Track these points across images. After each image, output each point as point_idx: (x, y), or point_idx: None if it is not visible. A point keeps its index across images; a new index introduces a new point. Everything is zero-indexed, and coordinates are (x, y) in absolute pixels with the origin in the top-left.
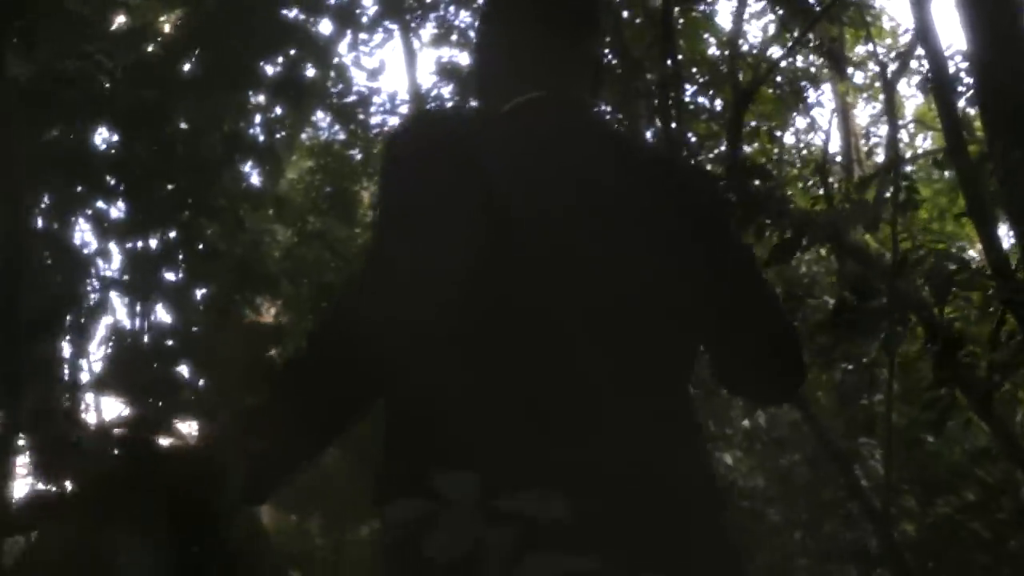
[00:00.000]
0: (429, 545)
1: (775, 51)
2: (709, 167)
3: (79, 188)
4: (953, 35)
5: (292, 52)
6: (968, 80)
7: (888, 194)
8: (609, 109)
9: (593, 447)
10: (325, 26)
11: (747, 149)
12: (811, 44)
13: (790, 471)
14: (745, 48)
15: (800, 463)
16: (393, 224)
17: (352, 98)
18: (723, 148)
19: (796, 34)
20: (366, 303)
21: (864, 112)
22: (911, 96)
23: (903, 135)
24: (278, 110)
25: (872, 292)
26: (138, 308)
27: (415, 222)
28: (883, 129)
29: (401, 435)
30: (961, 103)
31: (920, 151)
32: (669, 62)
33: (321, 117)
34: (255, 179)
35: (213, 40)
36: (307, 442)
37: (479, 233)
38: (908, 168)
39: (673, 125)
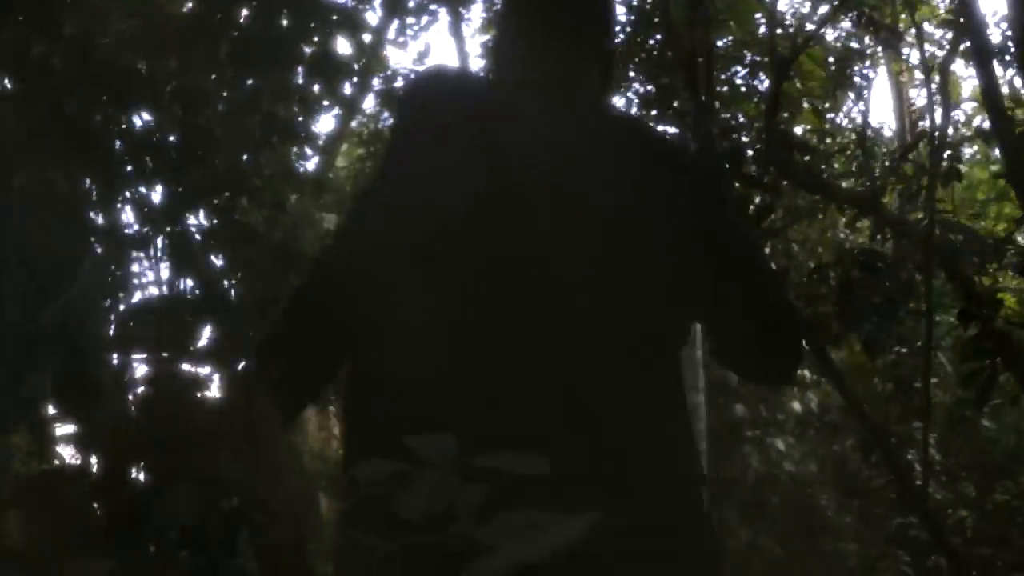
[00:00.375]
0: (401, 504)
1: (816, 23)
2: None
3: (126, 170)
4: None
5: (326, 29)
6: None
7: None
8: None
9: (567, 415)
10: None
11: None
12: (856, 18)
13: (842, 457)
14: (787, 20)
15: (854, 448)
16: (397, 158)
17: (399, 83)
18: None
19: (835, 3)
20: (351, 235)
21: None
22: (968, 77)
23: (959, 115)
24: (315, 88)
25: (878, 268)
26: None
27: (418, 160)
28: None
29: (372, 399)
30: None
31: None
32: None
33: (371, 104)
34: (298, 162)
35: (250, 18)
36: (290, 404)
37: (477, 183)
38: (964, 150)
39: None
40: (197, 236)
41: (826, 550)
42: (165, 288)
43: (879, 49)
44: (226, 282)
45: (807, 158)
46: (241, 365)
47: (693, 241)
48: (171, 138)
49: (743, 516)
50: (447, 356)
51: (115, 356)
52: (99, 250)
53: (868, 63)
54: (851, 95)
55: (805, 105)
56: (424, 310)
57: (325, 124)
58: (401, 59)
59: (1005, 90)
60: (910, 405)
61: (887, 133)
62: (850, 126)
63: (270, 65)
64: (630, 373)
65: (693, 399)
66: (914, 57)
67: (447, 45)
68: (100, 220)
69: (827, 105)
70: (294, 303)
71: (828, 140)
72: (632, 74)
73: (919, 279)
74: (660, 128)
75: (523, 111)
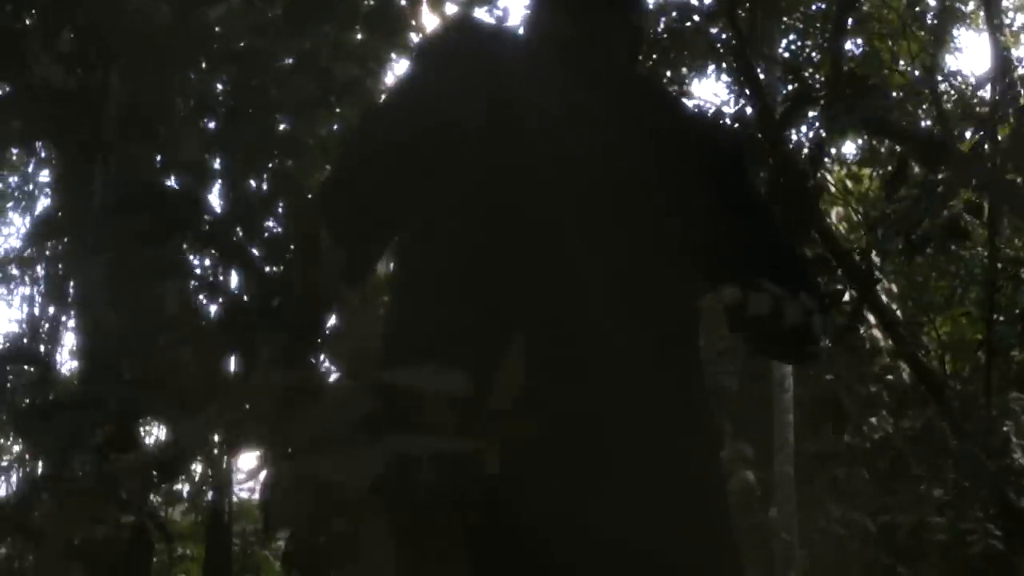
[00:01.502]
0: None
1: None
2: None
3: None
4: None
5: None
6: None
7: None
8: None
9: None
10: None
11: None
12: None
13: (933, 430)
14: None
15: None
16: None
17: None
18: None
19: None
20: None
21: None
22: None
23: None
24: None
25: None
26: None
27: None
28: None
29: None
30: None
31: None
32: None
33: None
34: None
35: None
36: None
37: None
38: None
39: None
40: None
41: (916, 523)
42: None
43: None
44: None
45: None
46: None
47: (708, 212)
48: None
49: (834, 490)
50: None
51: None
52: None
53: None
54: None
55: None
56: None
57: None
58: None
59: None
60: (1009, 374)
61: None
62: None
63: (326, 21)
64: (651, 341)
65: (780, 370)
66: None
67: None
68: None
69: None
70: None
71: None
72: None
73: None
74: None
75: (546, 66)
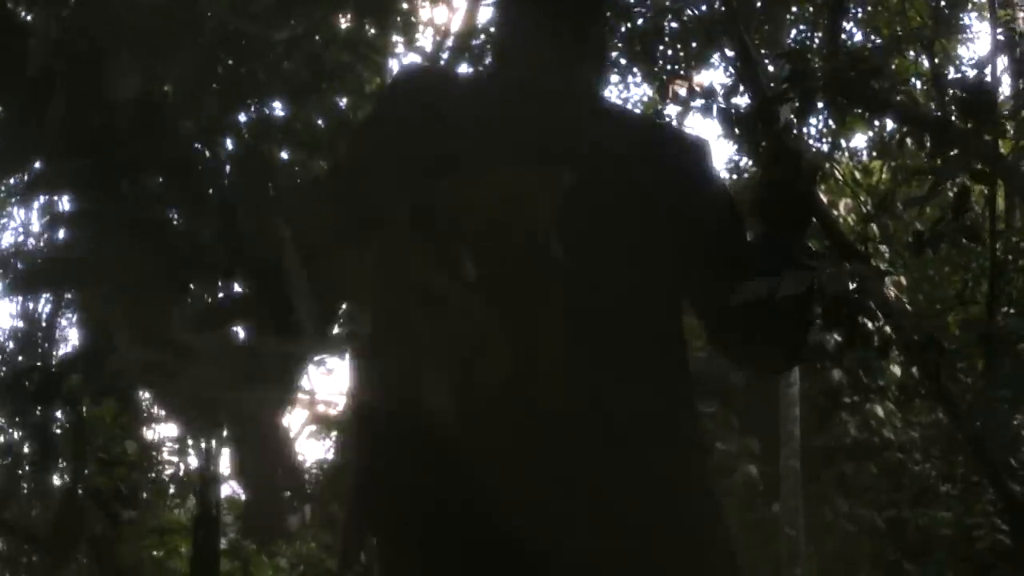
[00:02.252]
0: None
1: None
2: None
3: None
4: None
5: None
6: None
7: None
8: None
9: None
10: None
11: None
12: None
13: (941, 424)
14: None
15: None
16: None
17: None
18: None
19: None
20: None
21: None
22: None
23: None
24: (367, 30)
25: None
26: None
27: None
28: None
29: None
30: None
31: None
32: None
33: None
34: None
35: None
36: None
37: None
38: None
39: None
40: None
41: (922, 521)
42: None
43: None
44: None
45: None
46: None
47: (681, 222)
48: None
49: (840, 485)
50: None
51: None
52: None
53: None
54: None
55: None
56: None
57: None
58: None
59: None
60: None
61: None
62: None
63: (316, 5)
64: (633, 349)
65: (786, 379)
66: None
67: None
68: None
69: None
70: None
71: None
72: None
73: None
74: None
75: (516, 90)
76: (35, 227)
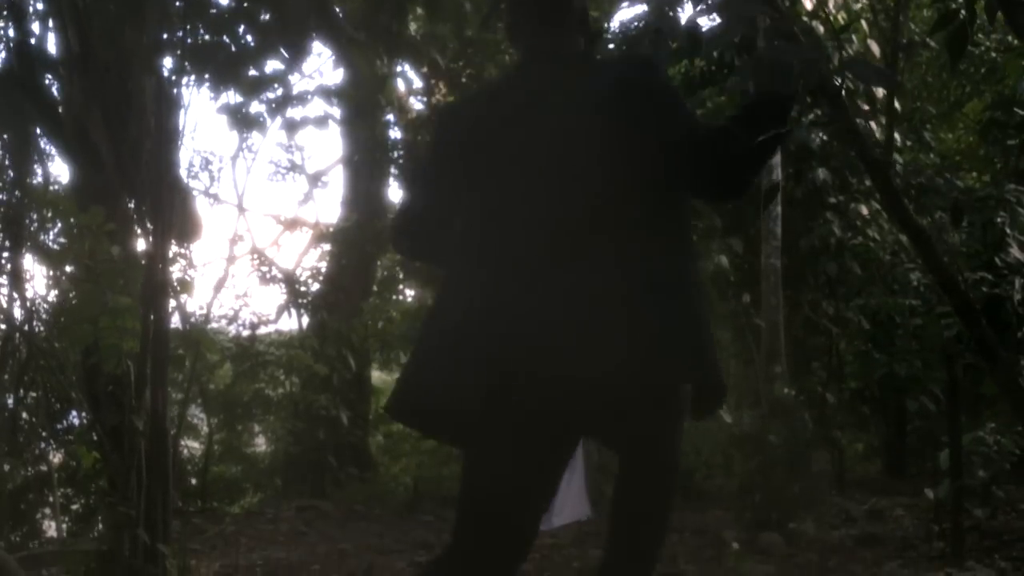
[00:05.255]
0: None
1: None
2: None
3: None
4: None
5: None
6: None
7: None
8: None
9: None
10: None
11: None
12: None
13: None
14: None
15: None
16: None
17: None
18: None
19: None
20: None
21: None
22: None
23: None
24: None
25: None
26: None
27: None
28: None
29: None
30: None
31: None
32: None
33: None
34: None
35: None
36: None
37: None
38: None
39: None
40: None
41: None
42: None
43: None
44: None
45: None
46: None
47: (650, 125)
48: None
49: (824, 287)
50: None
51: None
52: None
53: None
54: None
55: None
56: (479, 189)
57: None
58: None
59: None
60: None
61: None
62: None
63: None
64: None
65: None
66: None
67: None
68: None
69: None
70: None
71: None
72: None
73: None
74: None
75: (531, 66)
76: None
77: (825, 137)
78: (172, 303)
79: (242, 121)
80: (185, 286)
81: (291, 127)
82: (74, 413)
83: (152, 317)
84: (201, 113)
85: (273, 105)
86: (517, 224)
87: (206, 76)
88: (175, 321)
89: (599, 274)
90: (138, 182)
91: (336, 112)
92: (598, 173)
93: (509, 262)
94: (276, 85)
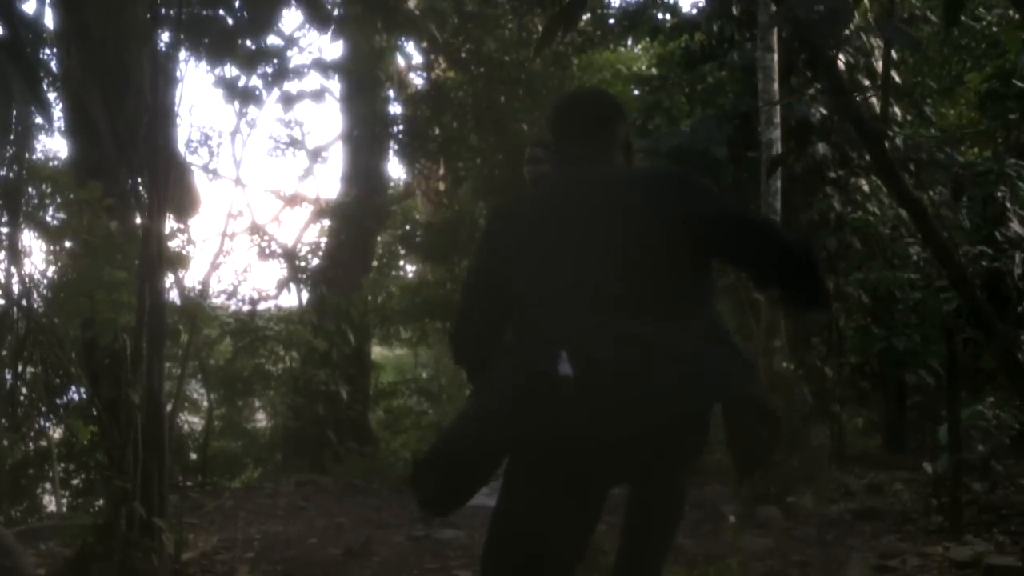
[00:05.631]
0: None
1: None
2: None
3: None
4: None
5: None
6: None
7: None
8: None
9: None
10: None
11: None
12: None
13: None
14: None
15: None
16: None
17: None
18: None
19: None
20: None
21: None
22: None
23: None
24: None
25: None
26: None
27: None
28: None
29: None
30: None
31: None
32: None
33: None
34: None
35: None
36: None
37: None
38: None
39: None
40: None
41: (891, 286)
42: None
43: None
44: None
45: None
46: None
47: (699, 225)
48: None
49: (827, 262)
50: (550, 296)
51: None
52: None
53: None
54: None
55: None
56: (535, 285)
57: None
58: None
59: None
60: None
61: None
62: None
63: None
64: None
65: (768, 134)
66: None
67: None
68: None
69: None
70: (462, 313)
71: None
72: None
73: None
74: None
75: (579, 172)
76: None
77: (825, 112)
78: (169, 277)
79: (238, 94)
80: (181, 260)
81: (288, 100)
82: (73, 389)
83: (148, 290)
84: (201, 89)
85: (269, 78)
86: (583, 295)
87: (202, 49)
88: (172, 295)
89: (651, 329)
90: (135, 156)
91: (333, 86)
92: (646, 256)
93: (575, 326)
94: (274, 60)
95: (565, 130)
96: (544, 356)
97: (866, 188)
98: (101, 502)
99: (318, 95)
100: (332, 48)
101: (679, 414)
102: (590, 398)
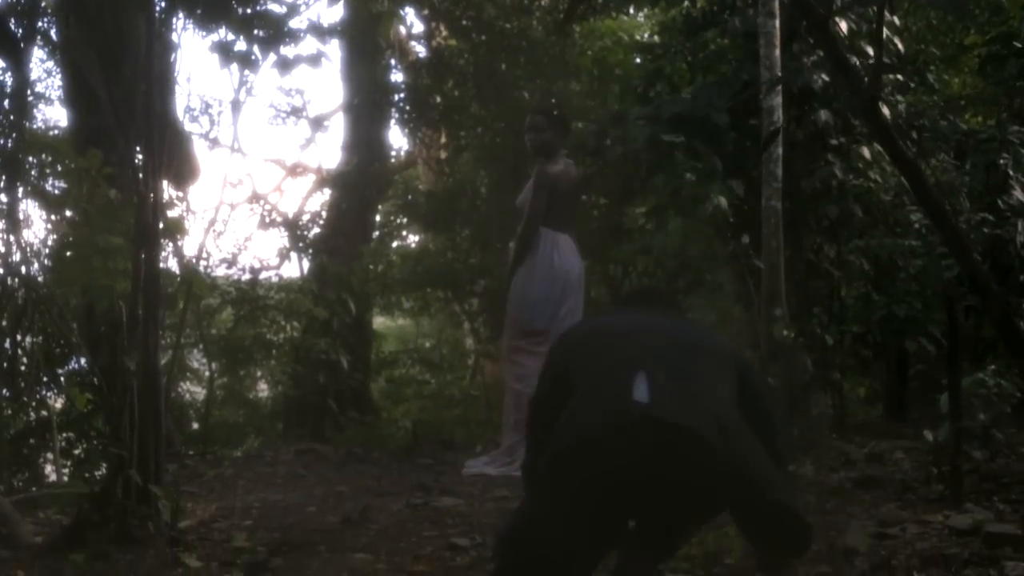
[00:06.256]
0: None
1: None
2: None
3: None
4: None
5: None
6: None
7: None
8: None
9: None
10: None
11: None
12: None
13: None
14: None
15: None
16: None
17: None
18: None
19: None
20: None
21: None
22: None
23: None
24: None
25: None
26: None
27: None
28: None
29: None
30: None
31: None
32: None
33: None
34: None
35: None
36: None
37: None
38: None
39: None
40: None
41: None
42: None
43: None
44: None
45: None
46: None
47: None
48: None
49: (829, 230)
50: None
51: None
52: None
53: None
54: None
55: None
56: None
57: None
58: None
59: None
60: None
61: None
62: None
63: None
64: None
65: (769, 101)
66: None
67: None
68: None
69: None
70: (535, 417)
71: None
72: None
73: None
74: None
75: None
76: None
77: (827, 78)
78: (167, 246)
79: (234, 58)
80: (178, 226)
81: (284, 65)
82: (74, 359)
83: (144, 257)
84: (200, 58)
85: (265, 43)
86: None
87: (197, 12)
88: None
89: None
90: (133, 123)
91: (332, 52)
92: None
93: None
94: (269, 25)
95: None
96: (619, 387)
97: (868, 155)
98: (99, 471)
99: (315, 59)
100: (331, 13)
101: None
102: (654, 430)
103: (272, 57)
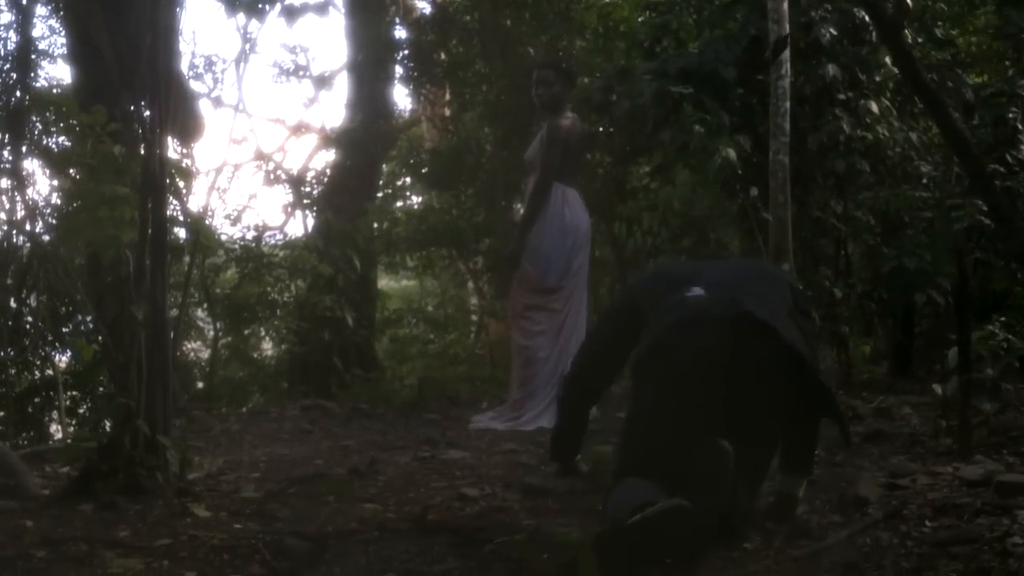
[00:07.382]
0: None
1: None
2: None
3: None
4: None
5: None
6: None
7: None
8: None
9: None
10: None
11: None
12: None
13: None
14: None
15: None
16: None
17: None
18: None
19: None
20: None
21: None
22: None
23: None
24: None
25: None
26: None
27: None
28: None
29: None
30: None
31: None
32: None
33: None
34: None
35: None
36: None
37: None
38: None
39: None
40: None
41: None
42: None
43: None
44: None
45: None
46: None
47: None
48: None
49: (836, 186)
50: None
51: None
52: None
53: None
54: None
55: None
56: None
57: None
58: None
59: None
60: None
61: None
62: None
63: None
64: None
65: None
66: None
67: None
68: None
69: None
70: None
71: None
72: None
73: None
74: None
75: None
76: None
77: (835, 32)
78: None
79: (240, 7)
80: (185, 173)
81: (290, 14)
82: (79, 317)
83: (150, 206)
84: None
85: None
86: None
87: None
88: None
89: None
90: (138, 77)
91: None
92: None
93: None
94: None
95: None
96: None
97: (876, 110)
98: (105, 424)
99: (322, 8)
100: None
101: None
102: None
103: (278, 6)
